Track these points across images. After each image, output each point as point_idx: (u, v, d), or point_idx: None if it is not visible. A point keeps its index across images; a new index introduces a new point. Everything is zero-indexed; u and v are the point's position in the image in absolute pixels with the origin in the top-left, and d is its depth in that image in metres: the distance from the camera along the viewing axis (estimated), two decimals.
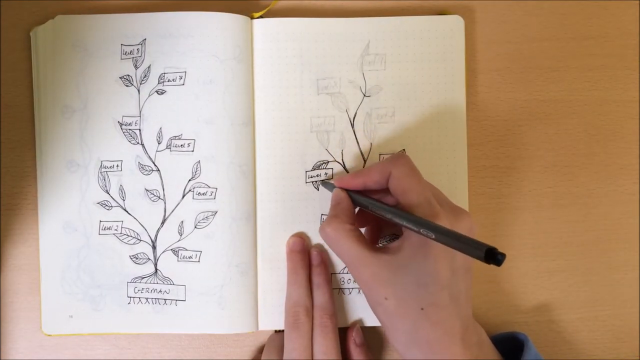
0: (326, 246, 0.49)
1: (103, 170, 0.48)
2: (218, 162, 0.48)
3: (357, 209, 0.46)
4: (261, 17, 0.48)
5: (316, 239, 0.49)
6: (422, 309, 0.39)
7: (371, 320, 0.49)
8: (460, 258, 0.40)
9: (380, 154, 0.49)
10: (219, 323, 0.48)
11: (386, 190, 0.44)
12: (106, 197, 0.48)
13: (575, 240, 0.51)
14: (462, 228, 0.40)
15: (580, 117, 0.51)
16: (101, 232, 0.48)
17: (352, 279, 0.49)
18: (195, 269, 0.48)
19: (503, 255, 0.33)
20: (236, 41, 0.47)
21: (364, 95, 0.49)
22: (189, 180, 0.48)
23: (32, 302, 0.49)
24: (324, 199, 0.49)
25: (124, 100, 0.48)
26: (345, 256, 0.42)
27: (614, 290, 0.51)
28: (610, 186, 0.51)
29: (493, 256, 0.33)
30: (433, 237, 0.37)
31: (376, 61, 0.49)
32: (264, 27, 0.48)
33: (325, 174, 0.49)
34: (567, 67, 0.51)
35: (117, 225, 0.48)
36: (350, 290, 0.49)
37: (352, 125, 0.49)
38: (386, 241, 0.48)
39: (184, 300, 0.48)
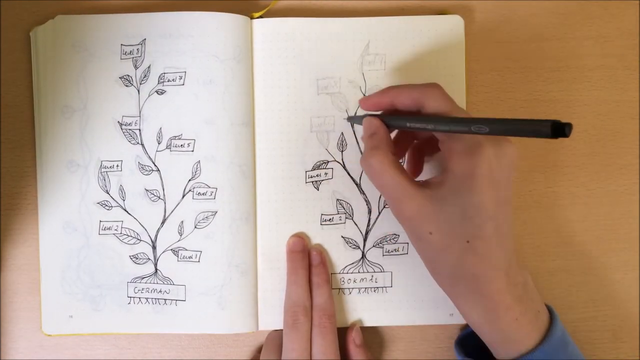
0: (323, 247, 0.49)
1: (103, 170, 0.48)
2: (218, 162, 0.48)
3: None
4: (261, 17, 0.48)
5: (316, 238, 0.49)
6: (467, 241, 0.38)
7: (371, 320, 0.49)
8: (504, 190, 0.39)
9: None
10: (219, 323, 0.48)
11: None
12: (106, 197, 0.48)
13: (575, 240, 0.51)
14: (507, 159, 0.39)
15: (580, 117, 0.51)
16: (101, 232, 0.48)
17: (352, 278, 0.49)
18: (195, 269, 0.48)
19: (570, 125, 0.30)
20: (236, 41, 0.47)
21: (364, 95, 0.49)
22: (189, 180, 0.48)
23: (32, 302, 0.49)
24: (324, 199, 0.49)
25: (123, 100, 0.48)
26: (390, 189, 0.40)
27: (614, 290, 0.51)
28: (610, 186, 0.51)
29: (560, 129, 0.30)
30: (487, 130, 0.34)
31: (376, 61, 0.49)
32: (263, 27, 0.48)
33: (325, 173, 0.49)
34: (567, 67, 0.51)
35: (117, 225, 0.48)
36: (350, 290, 0.49)
37: (352, 125, 0.49)
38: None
39: (184, 300, 0.48)
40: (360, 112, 0.48)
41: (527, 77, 0.51)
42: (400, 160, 0.48)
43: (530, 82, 0.51)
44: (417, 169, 0.48)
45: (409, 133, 0.46)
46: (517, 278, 0.40)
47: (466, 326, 0.50)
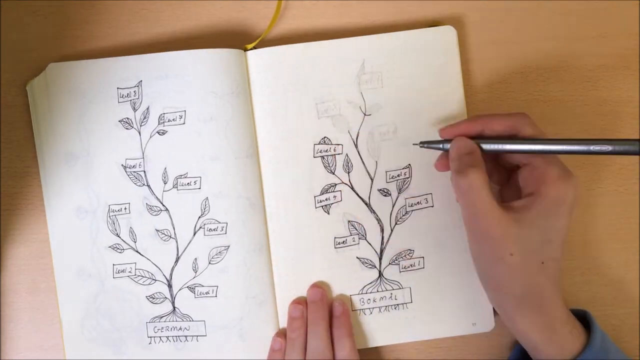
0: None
1: (111, 214, 0.48)
2: (226, 197, 0.47)
3: None
4: (254, 47, 0.48)
5: (332, 262, 0.49)
6: (542, 262, 0.41)
7: (395, 338, 0.49)
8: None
9: (386, 171, 0.49)
10: (242, 354, 0.48)
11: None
12: (117, 240, 0.48)
13: (575, 240, 0.51)
14: (577, 186, 0.41)
15: (580, 117, 0.51)
16: (115, 275, 0.48)
17: (372, 298, 0.49)
18: (213, 303, 0.48)
19: None
20: (232, 75, 0.47)
21: (365, 115, 0.49)
22: (199, 217, 0.48)
23: (32, 302, 0.49)
24: (335, 222, 0.49)
25: (125, 143, 0.48)
26: (479, 209, 0.41)
27: (614, 290, 0.51)
28: (610, 186, 0.51)
29: None
30: (610, 149, 0.38)
31: (373, 79, 0.49)
32: (258, 58, 0.48)
33: (334, 197, 0.49)
34: (567, 67, 0.51)
35: (131, 267, 0.48)
36: (371, 310, 0.49)
37: (356, 146, 0.49)
38: None
39: (205, 336, 0.48)
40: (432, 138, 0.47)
41: (527, 77, 0.51)
42: None
43: (530, 82, 0.51)
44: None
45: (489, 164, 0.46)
46: (561, 293, 0.42)
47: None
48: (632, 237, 0.51)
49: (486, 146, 0.43)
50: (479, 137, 0.43)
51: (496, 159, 0.46)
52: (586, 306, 0.51)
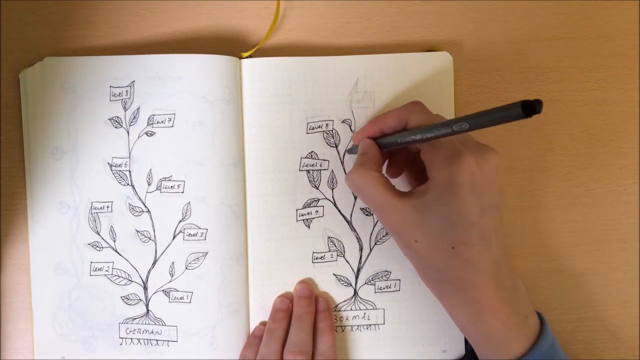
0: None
1: (93, 211, 0.48)
2: (208, 203, 0.47)
3: (386, 163, 0.47)
4: (250, 56, 0.48)
5: (308, 276, 0.49)
6: (452, 247, 0.39)
7: (364, 358, 0.49)
8: (488, 196, 0.40)
9: None
10: None
11: None
12: (97, 238, 0.48)
13: (575, 240, 0.51)
14: (489, 166, 0.40)
15: (580, 117, 0.51)
16: (92, 273, 0.48)
17: (345, 316, 0.49)
18: (187, 309, 0.48)
19: (539, 102, 0.32)
20: (225, 82, 0.48)
21: (354, 133, 0.49)
22: (180, 221, 0.48)
23: (31, 302, 0.49)
24: (315, 237, 0.49)
25: (113, 141, 0.48)
26: (373, 202, 0.42)
27: (614, 290, 0.51)
28: (610, 186, 0.51)
29: (531, 107, 0.32)
30: (467, 127, 0.36)
31: (365, 98, 0.49)
32: (252, 67, 0.48)
33: (316, 211, 0.49)
34: (567, 67, 0.51)
35: (108, 267, 0.48)
36: (343, 327, 0.49)
37: (342, 163, 0.49)
38: None
39: (176, 341, 0.48)
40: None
41: (527, 77, 0.51)
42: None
43: (530, 82, 0.51)
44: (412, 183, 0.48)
45: (403, 154, 0.47)
46: (506, 282, 0.41)
47: None
48: (632, 237, 0.51)
49: (383, 142, 0.44)
50: (383, 136, 0.45)
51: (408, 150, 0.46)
52: (586, 306, 0.51)
